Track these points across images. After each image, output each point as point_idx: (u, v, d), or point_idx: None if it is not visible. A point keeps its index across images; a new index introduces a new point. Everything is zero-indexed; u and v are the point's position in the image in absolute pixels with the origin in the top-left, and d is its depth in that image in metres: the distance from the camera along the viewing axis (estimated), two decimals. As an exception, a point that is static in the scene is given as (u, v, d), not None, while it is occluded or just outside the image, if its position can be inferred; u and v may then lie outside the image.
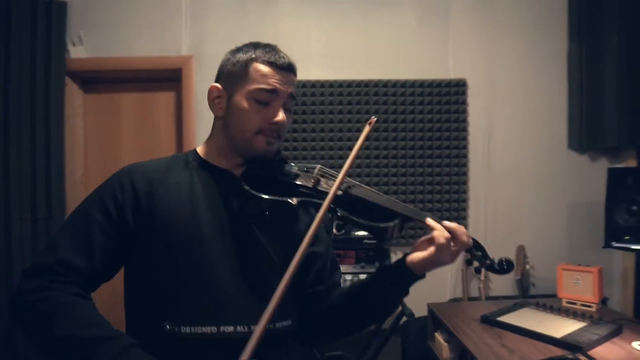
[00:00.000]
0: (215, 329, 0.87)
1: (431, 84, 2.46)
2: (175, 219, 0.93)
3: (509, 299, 2.17)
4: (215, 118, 1.02)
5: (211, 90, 1.01)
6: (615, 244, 1.70)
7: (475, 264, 0.95)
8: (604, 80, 2.32)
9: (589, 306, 1.82)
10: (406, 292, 0.99)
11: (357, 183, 0.97)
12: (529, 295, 2.29)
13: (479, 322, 1.73)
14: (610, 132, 2.31)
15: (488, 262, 0.95)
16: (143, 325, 0.92)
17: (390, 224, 0.90)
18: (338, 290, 1.09)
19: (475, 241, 0.95)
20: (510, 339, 1.56)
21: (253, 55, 0.97)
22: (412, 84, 2.46)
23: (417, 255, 0.93)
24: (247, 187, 0.92)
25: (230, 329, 0.88)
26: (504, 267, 0.93)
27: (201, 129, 2.35)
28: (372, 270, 2.18)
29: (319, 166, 1.00)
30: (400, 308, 1.90)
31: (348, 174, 0.91)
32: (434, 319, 1.94)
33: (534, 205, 2.47)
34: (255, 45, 0.99)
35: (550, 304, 1.82)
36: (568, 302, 1.88)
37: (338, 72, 2.46)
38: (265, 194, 0.92)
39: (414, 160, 2.46)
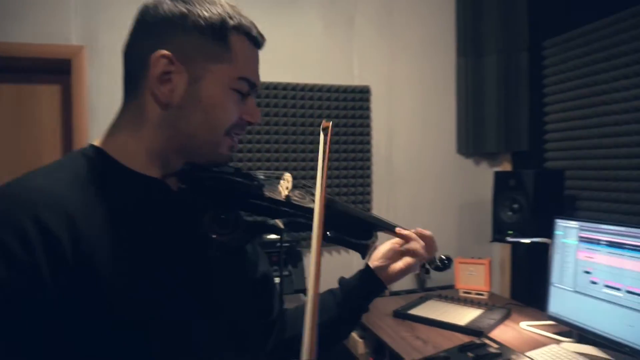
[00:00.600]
0: None
1: (337, 89, 2.54)
2: (120, 278, 0.59)
3: (410, 293, 2.34)
4: (156, 106, 0.67)
5: (157, 61, 0.64)
6: (508, 239, 1.92)
7: (427, 265, 0.96)
8: (485, 93, 2.62)
9: (482, 294, 2.04)
10: (366, 310, 0.95)
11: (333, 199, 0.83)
12: (426, 287, 2.48)
13: (391, 317, 1.84)
14: (490, 139, 2.61)
15: (437, 262, 0.97)
16: None
17: (374, 239, 0.84)
18: (286, 322, 0.93)
19: None
20: (422, 330, 1.68)
21: (233, 22, 0.68)
22: (320, 88, 2.51)
23: (393, 267, 0.90)
24: (213, 212, 0.69)
25: None
26: (445, 264, 0.97)
27: (94, 128, 2.12)
28: (286, 273, 2.18)
29: (287, 174, 0.78)
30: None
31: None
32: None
33: (430, 204, 2.68)
34: (226, 4, 0.69)
35: (451, 295, 2.00)
36: (464, 292, 2.08)
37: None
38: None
39: (321, 163, 2.51)
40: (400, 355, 1.49)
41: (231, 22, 0.67)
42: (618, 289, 1.40)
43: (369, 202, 2.59)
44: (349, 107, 2.56)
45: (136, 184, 0.67)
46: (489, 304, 1.90)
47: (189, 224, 0.69)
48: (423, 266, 0.96)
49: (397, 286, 2.55)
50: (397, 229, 0.90)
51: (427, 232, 0.91)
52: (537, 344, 1.54)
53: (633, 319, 1.35)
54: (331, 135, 0.74)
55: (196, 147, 0.69)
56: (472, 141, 2.68)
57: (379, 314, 1.88)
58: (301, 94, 2.48)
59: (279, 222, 0.76)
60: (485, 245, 2.40)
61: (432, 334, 1.64)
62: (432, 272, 0.99)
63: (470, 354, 1.36)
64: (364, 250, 0.82)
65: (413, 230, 0.91)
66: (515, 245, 2.39)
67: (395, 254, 0.91)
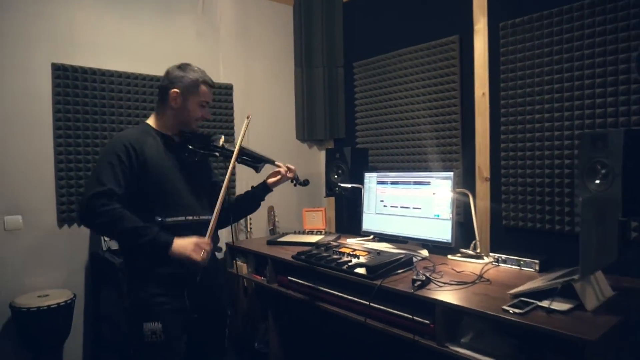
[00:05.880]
0: (183, 218, 1.63)
1: (208, 85, 3.20)
2: (156, 168, 1.68)
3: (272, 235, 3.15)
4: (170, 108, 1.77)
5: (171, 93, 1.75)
6: (336, 192, 2.90)
7: (293, 182, 2.03)
8: (315, 96, 3.61)
9: (321, 231, 3.00)
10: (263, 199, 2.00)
11: (244, 145, 1.91)
12: (284, 232, 3.32)
13: (266, 245, 2.64)
14: (319, 129, 3.62)
15: (301, 180, 2.01)
16: (145, 219, 1.61)
17: (262, 164, 1.90)
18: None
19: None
20: (288, 249, 2.52)
21: (202, 80, 1.77)
22: (194, 83, 3.13)
23: (272, 180, 1.95)
24: (190, 146, 1.78)
25: (190, 218, 1.64)
26: (305, 182, 2.05)
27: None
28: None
29: (223, 136, 1.89)
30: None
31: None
32: (232, 253, 2.73)
33: (278, 177, 3.56)
34: (199, 71, 1.80)
35: (301, 231, 2.90)
36: (309, 231, 3.01)
37: (133, 66, 2.88)
38: (201, 149, 1.81)
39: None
40: (279, 257, 2.31)
41: (201, 81, 1.77)
42: (396, 207, 2.50)
43: (234, 174, 3.32)
44: (217, 99, 3.25)
45: (163, 136, 1.78)
46: (326, 233, 2.87)
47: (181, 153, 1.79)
48: (292, 182, 2.05)
49: (255, 235, 3.35)
50: (276, 162, 1.96)
51: (290, 166, 2.01)
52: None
53: (403, 221, 2.45)
54: (249, 119, 1.85)
55: (183, 125, 1.82)
56: (306, 131, 3.66)
57: (256, 245, 2.66)
58: (179, 86, 3.06)
59: (217, 153, 1.85)
60: (321, 199, 3.40)
61: (295, 249, 2.49)
62: (301, 188, 2.15)
63: (322, 248, 2.27)
64: (256, 169, 1.97)
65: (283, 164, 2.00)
66: (339, 200, 3.43)
67: (275, 174, 1.99)
